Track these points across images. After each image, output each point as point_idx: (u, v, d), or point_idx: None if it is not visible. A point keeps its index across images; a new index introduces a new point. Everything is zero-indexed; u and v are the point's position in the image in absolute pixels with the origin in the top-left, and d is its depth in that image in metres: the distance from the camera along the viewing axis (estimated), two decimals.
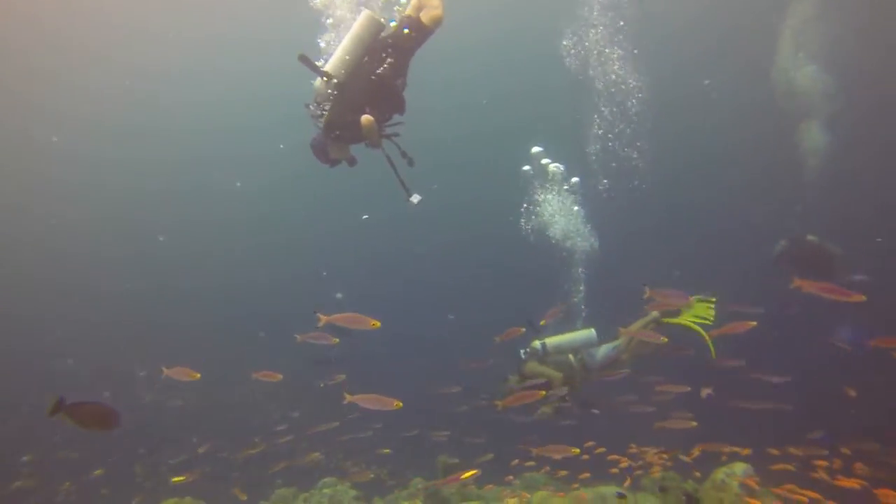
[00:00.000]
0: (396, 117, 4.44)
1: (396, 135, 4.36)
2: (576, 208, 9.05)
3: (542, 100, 19.20)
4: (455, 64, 17.65)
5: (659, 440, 6.60)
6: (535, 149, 8.97)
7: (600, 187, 11.58)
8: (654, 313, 5.74)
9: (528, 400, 5.02)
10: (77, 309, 20.30)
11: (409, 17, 4.29)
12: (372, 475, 7.66)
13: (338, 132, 4.20)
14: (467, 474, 4.67)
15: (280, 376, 4.45)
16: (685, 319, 5.51)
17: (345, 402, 3.79)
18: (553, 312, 6.06)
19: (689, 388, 5.56)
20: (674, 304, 5.31)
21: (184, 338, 17.32)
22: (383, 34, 4.33)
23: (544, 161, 8.85)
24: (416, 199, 4.28)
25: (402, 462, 9.22)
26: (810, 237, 8.77)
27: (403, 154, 4.31)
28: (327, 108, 4.21)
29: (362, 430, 8.83)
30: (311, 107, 4.28)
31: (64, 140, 21.83)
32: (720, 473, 4.40)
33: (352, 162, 4.49)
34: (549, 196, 9.07)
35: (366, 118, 3.98)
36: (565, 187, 8.99)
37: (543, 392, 5.14)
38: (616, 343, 5.89)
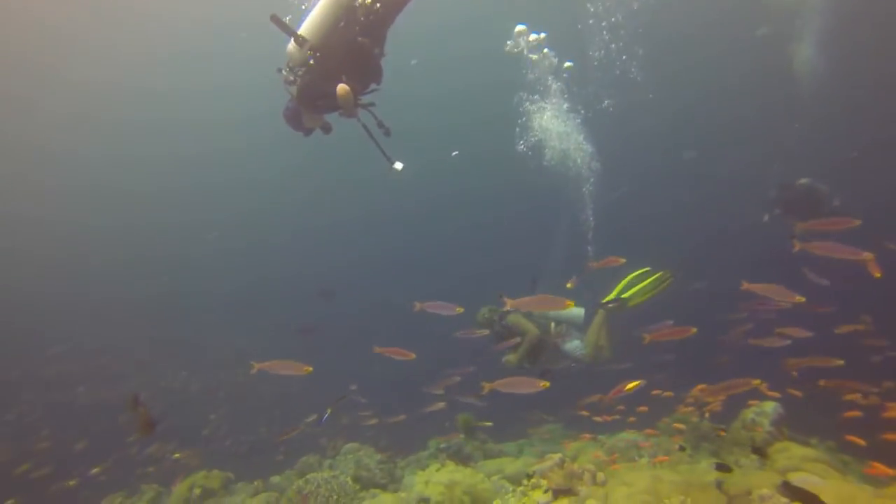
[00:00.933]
0: (373, 86, 4.25)
1: (372, 104, 4.16)
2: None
3: None
4: None
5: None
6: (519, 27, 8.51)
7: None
8: (601, 312, 5.70)
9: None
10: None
11: None
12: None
13: (312, 100, 4.01)
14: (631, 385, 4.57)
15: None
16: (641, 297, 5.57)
17: (252, 371, 3.66)
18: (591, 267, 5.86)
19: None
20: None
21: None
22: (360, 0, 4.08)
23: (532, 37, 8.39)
24: (398, 165, 4.17)
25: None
26: (801, 180, 8.72)
27: (380, 124, 4.14)
28: (301, 73, 4.02)
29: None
30: (283, 72, 4.06)
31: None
32: (749, 413, 4.37)
33: (327, 129, 4.30)
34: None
35: (342, 87, 3.76)
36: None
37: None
38: (580, 345, 5.74)
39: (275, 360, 3.71)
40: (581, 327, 5.80)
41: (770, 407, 4.26)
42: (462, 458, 7.26)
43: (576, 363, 5.76)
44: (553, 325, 5.72)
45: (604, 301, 5.71)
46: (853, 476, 3.78)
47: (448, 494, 4.44)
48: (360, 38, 3.97)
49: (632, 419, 6.90)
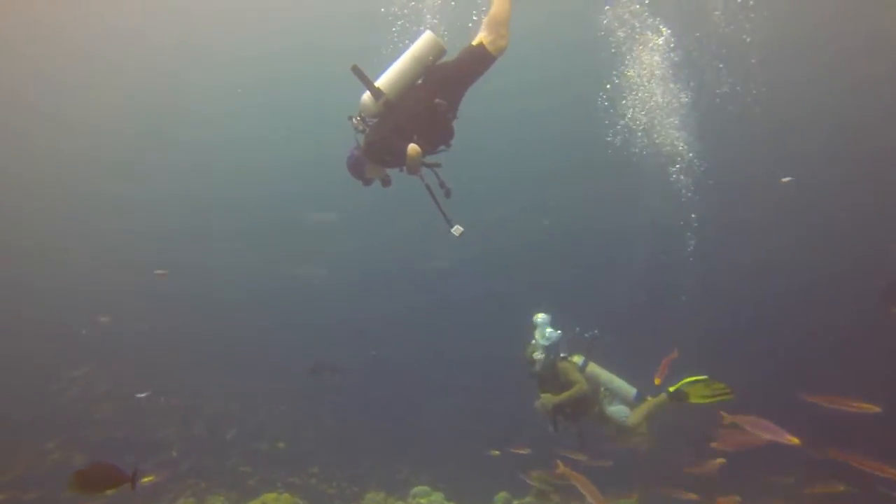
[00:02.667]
0: (442, 148, 4.22)
1: (438, 165, 4.06)
2: None
3: None
4: None
5: None
6: None
7: None
8: (663, 396, 5.40)
9: None
10: None
11: (476, 45, 4.04)
12: None
13: (380, 154, 3.95)
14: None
15: None
16: (699, 399, 5.26)
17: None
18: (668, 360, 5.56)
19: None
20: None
21: None
22: (441, 60, 4.08)
23: None
24: (457, 230, 3.99)
25: None
26: None
27: (442, 184, 4.01)
28: (372, 125, 4.01)
29: None
30: (354, 120, 4.04)
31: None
32: None
33: (386, 182, 4.24)
34: None
35: (413, 147, 3.73)
36: None
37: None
38: (627, 411, 5.47)
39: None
40: (628, 404, 5.52)
41: None
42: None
43: (610, 431, 5.56)
44: (603, 389, 5.51)
45: (671, 389, 5.34)
46: None
47: None
48: (437, 100, 3.93)
49: None
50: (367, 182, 4.20)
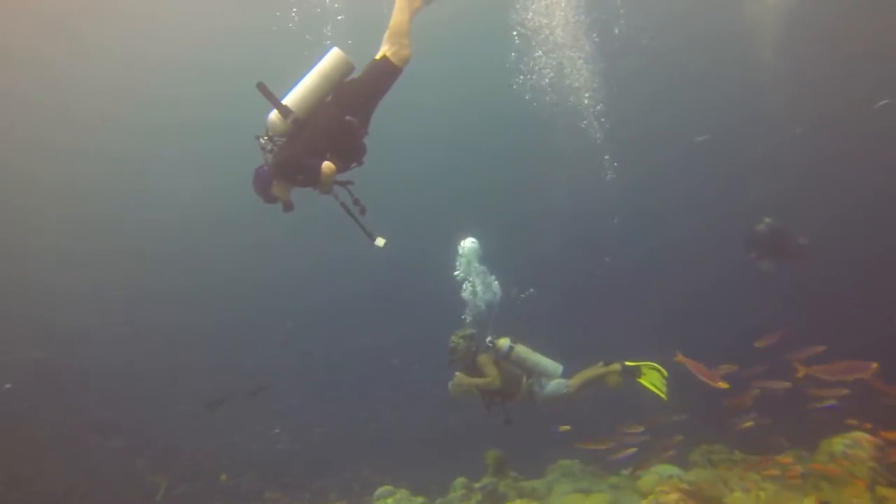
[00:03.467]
0: (353, 165, 4.18)
1: (350, 183, 4.07)
2: None
3: None
4: None
5: None
6: None
7: None
8: (616, 366, 5.64)
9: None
10: None
11: (380, 59, 4.03)
12: None
13: (292, 174, 3.86)
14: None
15: None
16: (646, 381, 5.51)
17: None
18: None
19: None
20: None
21: None
22: (349, 77, 4.08)
23: None
24: (380, 242, 4.03)
25: None
26: (763, 221, 9.29)
27: (356, 202, 4.02)
28: (281, 145, 3.93)
29: None
30: (262, 140, 3.95)
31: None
32: (838, 444, 4.39)
33: (288, 207, 4.13)
34: None
35: (327, 166, 3.73)
36: None
37: None
38: (567, 382, 5.71)
39: None
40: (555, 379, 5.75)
41: (862, 438, 4.29)
42: (496, 499, 6.97)
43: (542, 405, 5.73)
44: (525, 379, 5.62)
45: (628, 363, 5.61)
46: None
47: None
48: (347, 117, 3.92)
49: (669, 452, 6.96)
50: (271, 200, 4.05)
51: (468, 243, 6.04)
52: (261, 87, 3.83)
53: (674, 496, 3.68)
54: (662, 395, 5.35)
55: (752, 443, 7.23)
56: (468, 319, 6.38)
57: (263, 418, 11.16)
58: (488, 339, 5.77)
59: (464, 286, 6.29)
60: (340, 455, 9.27)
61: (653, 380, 5.49)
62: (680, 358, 4.62)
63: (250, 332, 18.30)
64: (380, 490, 6.79)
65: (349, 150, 4.02)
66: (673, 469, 6.79)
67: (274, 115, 3.86)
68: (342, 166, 3.94)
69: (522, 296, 6.29)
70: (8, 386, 10.84)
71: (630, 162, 14.33)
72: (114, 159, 22.70)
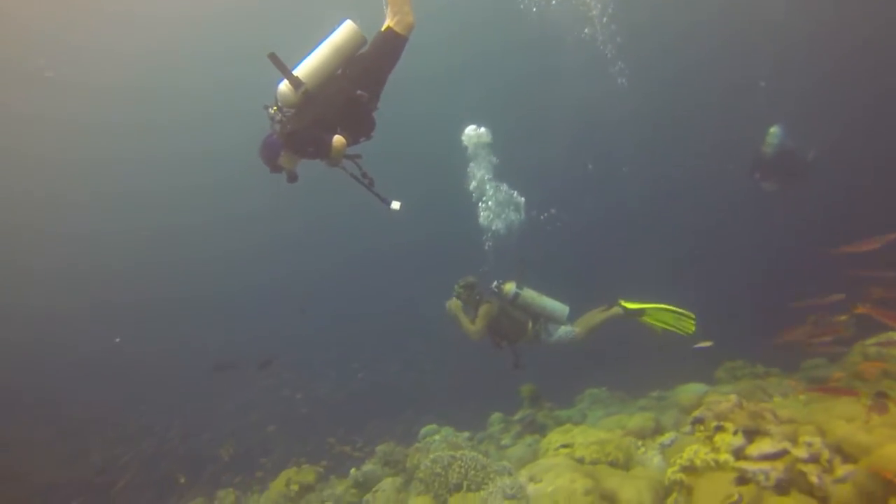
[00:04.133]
0: (362, 139, 4.21)
1: (359, 156, 4.10)
2: None
3: None
4: None
5: None
6: None
7: None
8: (617, 309, 5.85)
9: None
10: None
11: (385, 31, 3.97)
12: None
13: (302, 145, 3.86)
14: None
15: None
16: (655, 321, 5.68)
17: None
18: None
19: None
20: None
21: None
22: (361, 51, 4.02)
23: None
24: (395, 205, 4.12)
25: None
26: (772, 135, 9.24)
27: (364, 175, 4.10)
28: (290, 115, 3.91)
29: None
30: (271, 110, 3.94)
31: None
32: (871, 346, 4.59)
33: (292, 178, 4.11)
34: None
35: (338, 140, 3.76)
36: None
37: None
38: (573, 330, 5.90)
39: None
40: (563, 323, 5.90)
41: None
42: (535, 429, 7.29)
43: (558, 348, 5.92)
44: (530, 324, 5.79)
45: (628, 306, 5.84)
46: None
47: (602, 451, 4.46)
48: (358, 91, 3.92)
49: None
50: (276, 170, 4.04)
51: (471, 130, 5.84)
52: (272, 57, 3.76)
53: (726, 404, 3.87)
54: (679, 331, 5.58)
55: (770, 358, 7.55)
56: (486, 269, 6.49)
57: (295, 382, 11.62)
58: (495, 283, 5.90)
59: (480, 207, 6.25)
60: (383, 403, 9.70)
61: (662, 319, 5.72)
62: (864, 308, 4.36)
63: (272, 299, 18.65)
64: (425, 429, 7.10)
65: (359, 125, 4.03)
66: (701, 386, 7.10)
67: (284, 85, 3.82)
68: (352, 140, 3.95)
69: (543, 217, 6.23)
70: (118, 340, 11.13)
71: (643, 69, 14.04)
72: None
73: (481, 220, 6.70)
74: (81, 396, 12.30)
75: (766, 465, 3.27)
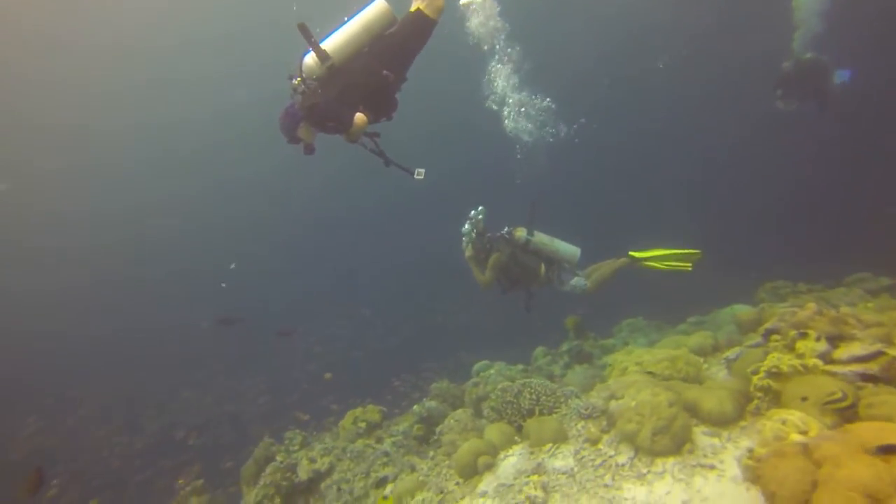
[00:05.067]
0: (383, 120, 4.17)
1: (377, 135, 4.07)
2: None
3: None
4: None
5: None
6: None
7: None
8: (625, 260, 5.85)
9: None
10: None
11: (414, 12, 3.90)
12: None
13: (323, 119, 3.79)
14: None
15: None
16: (659, 263, 5.64)
17: None
18: None
19: None
20: None
21: None
22: (390, 30, 3.93)
23: None
24: (419, 173, 4.09)
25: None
26: (807, 55, 8.79)
27: (380, 153, 4.09)
28: (314, 88, 3.82)
29: None
30: (294, 81, 3.84)
31: None
32: None
33: (309, 150, 4.06)
34: None
35: (360, 117, 3.73)
36: None
37: None
38: (585, 282, 5.89)
39: None
40: (574, 266, 5.94)
41: None
42: (584, 358, 7.42)
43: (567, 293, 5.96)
44: (542, 269, 5.77)
45: (633, 254, 5.82)
46: None
47: (673, 367, 4.52)
48: (385, 72, 3.83)
49: None
50: (294, 141, 3.99)
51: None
52: (302, 27, 3.67)
53: (806, 312, 3.85)
54: (685, 268, 5.60)
55: (804, 276, 7.54)
56: (519, 181, 6.28)
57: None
58: (505, 229, 5.90)
59: (505, 114, 6.12)
60: (432, 347, 9.97)
61: (667, 260, 5.70)
62: None
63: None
64: (477, 365, 7.23)
65: (382, 104, 3.97)
66: (745, 307, 7.12)
67: (311, 57, 3.76)
68: (373, 119, 3.90)
69: (575, 126, 6.18)
70: (233, 266, 11.80)
71: None
72: None
73: (507, 127, 6.59)
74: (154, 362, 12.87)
75: (858, 367, 3.28)
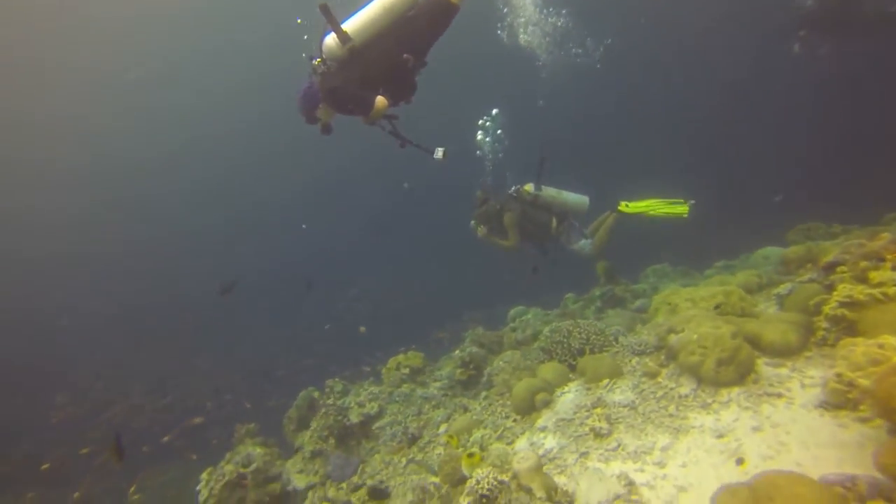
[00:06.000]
0: (402, 103, 4.08)
1: (396, 117, 3.99)
2: None
3: None
4: None
5: None
6: None
7: None
8: (615, 215, 5.80)
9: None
10: None
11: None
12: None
13: (343, 101, 3.72)
14: None
15: None
16: (647, 208, 5.59)
17: None
18: None
19: None
20: None
21: None
22: (411, 13, 3.80)
23: None
24: (439, 153, 4.02)
25: None
26: None
27: (396, 135, 3.99)
28: (334, 70, 3.75)
29: None
30: (315, 61, 3.78)
31: None
32: None
33: (327, 130, 4.00)
34: None
35: (381, 100, 3.67)
36: None
37: None
38: (590, 243, 5.91)
39: None
40: (584, 216, 5.98)
41: None
42: (616, 303, 7.38)
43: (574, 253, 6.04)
44: (554, 220, 5.74)
45: (621, 208, 5.77)
46: None
47: (727, 302, 4.44)
48: (405, 55, 3.74)
49: None
50: (312, 121, 3.94)
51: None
52: (323, 8, 3.57)
53: (878, 242, 3.72)
54: (675, 216, 5.57)
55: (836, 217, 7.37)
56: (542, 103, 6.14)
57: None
58: (513, 188, 5.90)
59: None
60: (465, 298, 9.99)
61: (661, 209, 5.66)
62: None
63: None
64: (513, 311, 7.20)
65: (401, 87, 3.89)
66: (777, 249, 7.01)
67: (331, 38, 3.66)
68: (392, 102, 3.82)
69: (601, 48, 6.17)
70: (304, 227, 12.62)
71: None
72: None
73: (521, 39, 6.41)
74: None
75: None
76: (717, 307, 4.31)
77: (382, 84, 3.74)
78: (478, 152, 5.84)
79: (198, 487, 5.29)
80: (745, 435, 3.21)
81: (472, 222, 5.87)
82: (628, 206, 5.85)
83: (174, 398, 10.97)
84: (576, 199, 5.81)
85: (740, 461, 2.96)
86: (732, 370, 3.65)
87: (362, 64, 3.68)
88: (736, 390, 3.63)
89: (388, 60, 3.74)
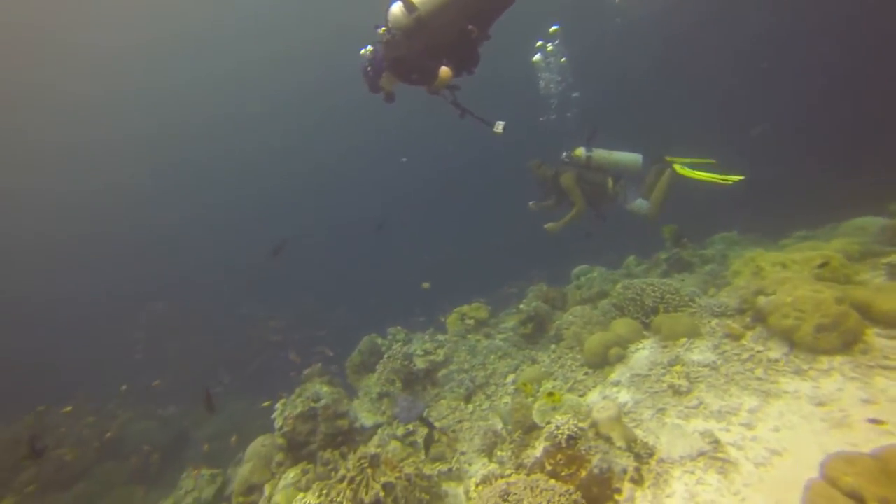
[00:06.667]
0: (465, 74, 3.91)
1: (458, 87, 3.84)
2: None
3: None
4: None
5: None
6: None
7: None
8: (669, 172, 5.44)
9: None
10: None
11: None
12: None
13: (408, 70, 3.63)
14: None
15: None
16: (699, 175, 5.20)
17: None
18: None
19: None
20: None
21: None
22: None
23: None
24: (499, 126, 3.87)
25: None
26: None
27: (456, 105, 3.87)
28: (399, 39, 3.63)
29: None
30: (380, 30, 3.67)
31: None
32: None
33: (390, 99, 3.90)
34: None
35: (445, 71, 3.55)
36: None
37: None
38: (647, 204, 5.55)
39: None
40: (637, 175, 5.68)
41: None
42: (683, 266, 7.04)
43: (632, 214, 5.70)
44: (611, 181, 5.54)
45: (676, 168, 5.38)
46: None
47: (827, 268, 4.09)
48: (469, 26, 3.57)
49: None
50: (375, 90, 3.87)
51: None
52: None
53: None
54: (725, 181, 5.04)
55: None
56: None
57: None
58: (564, 154, 5.74)
59: None
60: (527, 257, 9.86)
61: (711, 177, 5.16)
62: None
63: None
64: (577, 269, 7.01)
65: (465, 58, 3.77)
66: (878, 219, 6.40)
67: (398, 7, 3.58)
68: (455, 73, 3.71)
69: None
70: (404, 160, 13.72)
71: None
72: None
73: None
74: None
75: None
76: (821, 266, 3.95)
77: (446, 54, 3.66)
78: (540, 82, 5.68)
79: (273, 416, 5.60)
80: (853, 406, 2.98)
81: (531, 203, 5.85)
82: (682, 169, 5.50)
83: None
84: (628, 157, 5.60)
85: (875, 421, 2.75)
86: (835, 337, 3.38)
87: (427, 34, 3.61)
88: (839, 359, 3.37)
89: (453, 31, 3.64)
